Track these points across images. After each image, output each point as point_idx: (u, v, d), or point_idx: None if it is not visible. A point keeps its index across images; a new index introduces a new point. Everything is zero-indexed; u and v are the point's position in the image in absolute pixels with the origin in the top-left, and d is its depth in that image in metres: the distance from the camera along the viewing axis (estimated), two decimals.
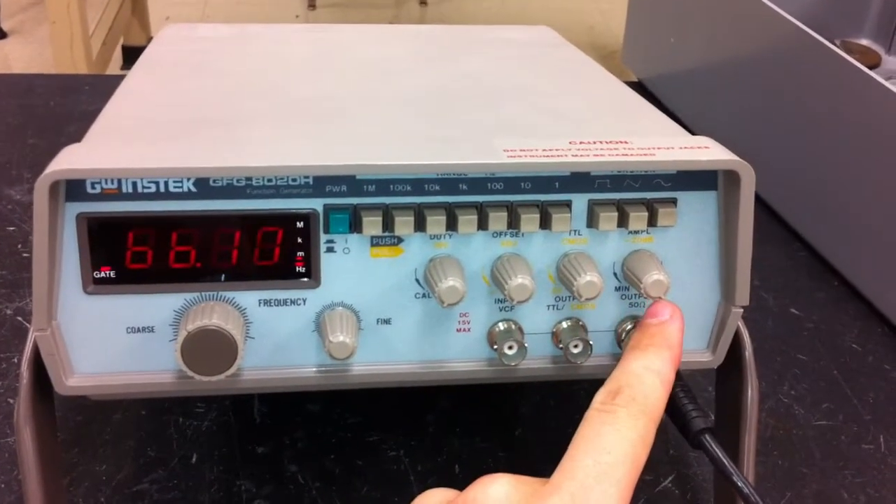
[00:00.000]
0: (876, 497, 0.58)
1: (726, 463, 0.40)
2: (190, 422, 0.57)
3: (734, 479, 0.39)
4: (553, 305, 0.46)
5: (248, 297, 0.43)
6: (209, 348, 0.41)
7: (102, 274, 0.42)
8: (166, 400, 0.58)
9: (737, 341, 0.48)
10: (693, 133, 0.48)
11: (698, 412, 0.41)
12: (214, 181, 0.41)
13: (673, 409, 0.41)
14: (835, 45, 0.77)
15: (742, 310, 0.46)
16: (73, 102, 0.86)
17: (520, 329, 0.46)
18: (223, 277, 0.43)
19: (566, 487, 0.34)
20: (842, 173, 0.77)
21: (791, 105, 0.83)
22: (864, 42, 1.13)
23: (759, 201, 0.87)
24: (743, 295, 0.46)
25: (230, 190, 0.41)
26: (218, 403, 0.59)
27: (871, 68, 0.74)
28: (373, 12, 3.49)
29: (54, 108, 0.86)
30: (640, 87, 1.10)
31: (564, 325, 0.46)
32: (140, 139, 0.45)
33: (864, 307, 0.75)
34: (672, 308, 0.43)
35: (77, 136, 0.45)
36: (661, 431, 0.41)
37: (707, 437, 0.40)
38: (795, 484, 0.59)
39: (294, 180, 0.42)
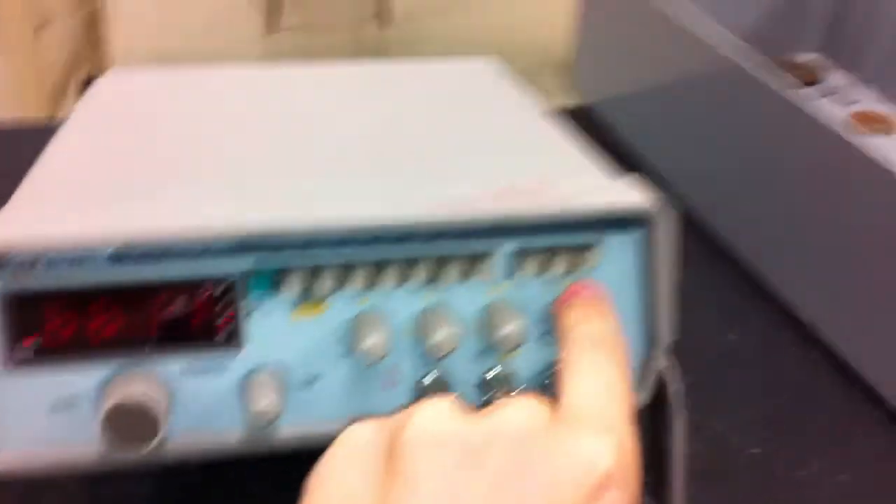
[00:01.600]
0: None
1: None
2: (124, 490, 0.56)
3: None
4: (481, 354, 0.46)
5: (171, 366, 0.43)
6: (131, 422, 0.41)
7: (23, 349, 0.41)
8: (101, 475, 0.58)
9: (661, 378, 0.48)
10: (636, 164, 0.49)
11: None
12: (132, 249, 0.41)
13: None
14: (774, 61, 0.77)
15: (666, 347, 0.47)
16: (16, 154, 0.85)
17: (445, 382, 0.46)
18: (145, 347, 0.42)
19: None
20: (783, 199, 0.78)
21: (724, 129, 0.83)
22: (811, 57, 1.14)
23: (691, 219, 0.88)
24: (664, 336, 0.46)
25: (148, 257, 0.41)
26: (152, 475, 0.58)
27: (809, 84, 0.74)
28: (336, 36, 3.47)
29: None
30: (587, 113, 1.08)
31: (491, 374, 0.46)
32: (61, 206, 0.45)
33: (803, 333, 0.76)
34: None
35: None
36: None
37: None
38: None
39: (211, 244, 0.42)
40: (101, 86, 0.66)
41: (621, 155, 0.98)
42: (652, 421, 0.51)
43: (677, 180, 0.88)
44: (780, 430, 0.66)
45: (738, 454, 0.64)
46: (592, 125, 1.04)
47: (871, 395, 0.69)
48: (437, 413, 0.35)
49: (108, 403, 0.40)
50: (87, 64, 2.64)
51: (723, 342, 0.75)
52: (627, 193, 0.45)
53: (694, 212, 0.89)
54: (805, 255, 0.75)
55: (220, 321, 0.43)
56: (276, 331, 0.43)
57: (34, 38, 2.18)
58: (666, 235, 0.45)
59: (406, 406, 0.36)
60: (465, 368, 0.46)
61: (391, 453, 0.34)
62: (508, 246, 0.45)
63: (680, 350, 0.69)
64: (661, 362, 0.47)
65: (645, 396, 0.48)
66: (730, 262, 0.85)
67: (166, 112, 0.61)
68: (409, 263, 0.44)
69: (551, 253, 0.45)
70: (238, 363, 0.43)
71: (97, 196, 0.46)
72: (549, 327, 0.46)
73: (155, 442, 0.41)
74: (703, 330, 0.76)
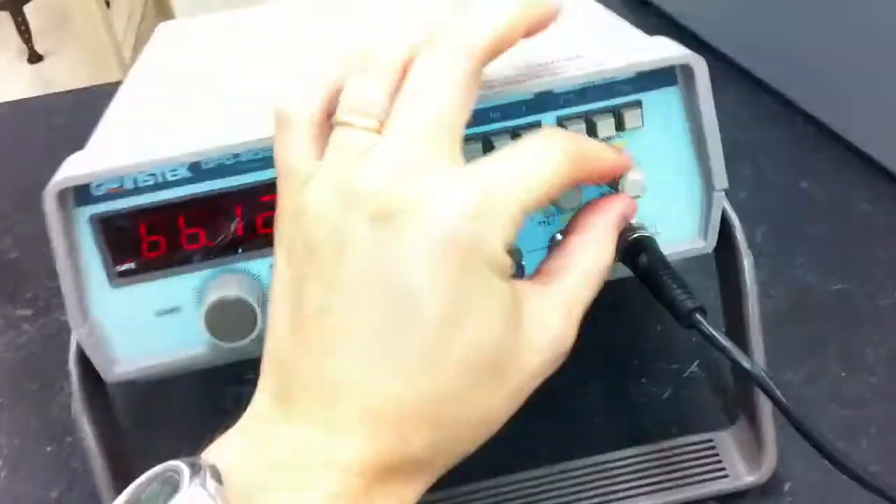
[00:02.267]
0: None
1: (719, 339, 0.42)
2: (242, 389, 0.61)
3: (728, 352, 0.42)
4: (544, 221, 0.49)
5: (260, 265, 0.46)
6: (231, 317, 0.44)
7: (124, 267, 0.46)
8: (218, 374, 0.62)
9: (725, 222, 0.50)
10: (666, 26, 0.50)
11: (686, 294, 0.43)
12: (206, 163, 0.44)
13: (662, 295, 0.44)
14: None
15: (723, 192, 0.48)
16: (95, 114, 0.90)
17: (518, 250, 0.48)
18: (234, 251, 0.46)
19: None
20: (834, 37, 0.77)
21: None
22: None
23: (758, 82, 0.88)
24: (720, 178, 0.48)
25: (222, 169, 0.45)
26: None
27: None
28: None
29: (80, 122, 0.90)
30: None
31: (558, 236, 0.49)
32: (134, 139, 0.48)
33: (872, 169, 0.77)
34: None
35: None
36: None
37: (697, 316, 0.43)
38: (816, 350, 0.61)
39: None
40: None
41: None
42: (722, 266, 0.54)
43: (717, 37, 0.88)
44: (859, 267, 0.67)
45: (819, 293, 0.65)
46: None
47: None
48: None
49: (208, 303, 0.44)
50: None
51: (794, 190, 0.76)
52: (663, 49, 0.47)
53: (748, 66, 0.89)
54: (870, 92, 0.75)
55: None
56: None
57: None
58: (703, 87, 0.46)
59: None
60: (533, 235, 0.48)
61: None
62: (550, 117, 0.47)
63: (751, 202, 0.71)
64: (722, 205, 0.49)
65: (711, 242, 0.50)
66: (788, 111, 0.85)
67: (221, 49, 0.64)
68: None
69: (596, 116, 0.47)
70: None
71: (168, 123, 0.50)
72: (605, 188, 0.48)
73: (254, 335, 0.45)
74: (772, 181, 0.77)
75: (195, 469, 0.34)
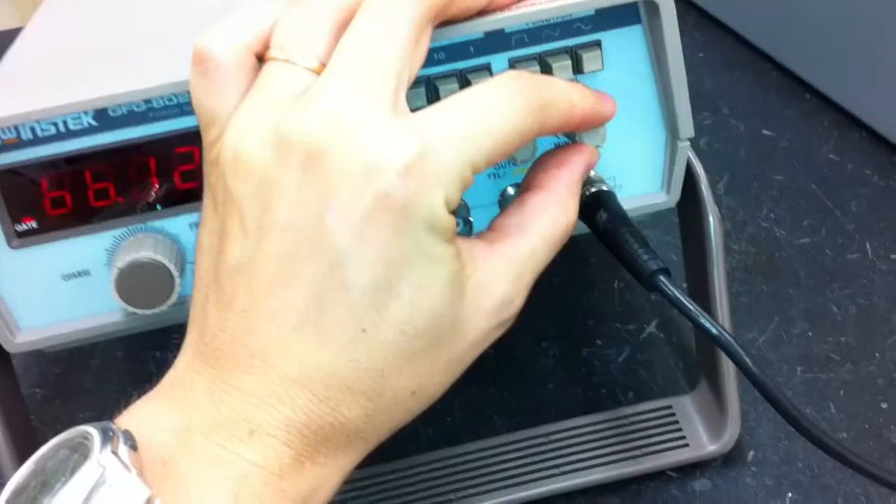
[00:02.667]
0: (866, 305, 0.58)
1: (685, 302, 0.39)
2: (167, 354, 0.57)
3: (693, 315, 0.38)
4: (495, 174, 0.45)
5: (178, 224, 0.42)
6: (145, 281, 0.40)
7: (25, 226, 0.41)
8: (141, 337, 0.58)
9: (690, 175, 0.46)
10: None
11: (649, 254, 0.40)
12: (113, 111, 0.40)
13: (623, 255, 0.40)
14: None
15: (688, 142, 0.45)
16: None
17: (465, 205, 0.44)
18: (148, 208, 0.42)
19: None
20: None
21: None
22: None
23: (723, 27, 0.84)
24: (686, 127, 0.44)
25: (132, 117, 0.40)
26: None
27: None
28: None
29: None
30: None
31: (510, 190, 0.45)
32: (33, 82, 0.43)
33: (839, 116, 0.74)
34: None
35: None
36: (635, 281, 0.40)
37: (661, 277, 0.39)
38: (782, 306, 0.58)
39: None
40: None
41: None
42: (685, 221, 0.50)
43: None
44: (826, 219, 0.64)
45: (784, 247, 0.62)
46: None
47: None
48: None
49: (119, 265, 0.40)
50: None
51: (758, 138, 0.73)
52: None
53: (711, 10, 0.85)
54: (839, 39, 0.71)
55: None
56: None
57: None
58: (669, 22, 0.42)
59: None
60: (482, 189, 0.44)
61: None
62: (501, 59, 0.42)
63: (714, 151, 0.67)
64: (686, 156, 0.45)
65: (674, 196, 0.46)
66: (752, 57, 0.81)
67: None
68: None
69: (552, 58, 0.42)
70: None
71: (68, 68, 0.45)
72: (562, 137, 0.44)
73: (171, 300, 0.41)
74: (734, 128, 0.74)
75: (106, 435, 0.31)
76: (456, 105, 0.34)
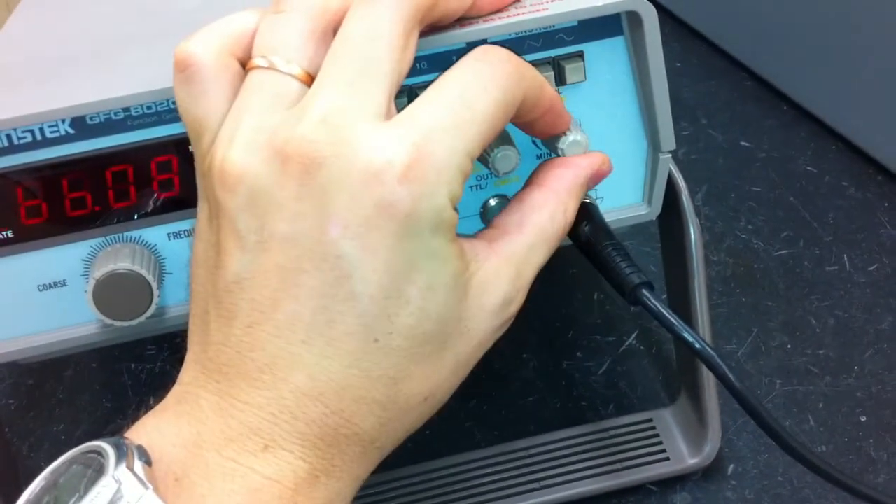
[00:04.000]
0: (844, 317, 0.58)
1: (666, 314, 0.38)
2: (142, 366, 0.56)
3: (676, 329, 0.38)
4: (476, 186, 0.44)
5: (156, 234, 0.41)
6: (123, 292, 0.39)
7: (0, 235, 0.40)
8: (115, 348, 0.57)
9: (671, 187, 0.46)
10: None
11: (632, 268, 0.39)
12: (91, 118, 0.39)
13: (605, 268, 0.40)
14: None
15: (670, 155, 0.45)
16: None
17: None
18: (125, 218, 0.41)
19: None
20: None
21: None
22: None
23: (700, 37, 0.85)
24: (668, 139, 0.44)
25: (110, 125, 0.39)
26: (168, 342, 0.57)
27: None
28: None
29: None
30: None
31: (492, 202, 0.44)
32: (9, 88, 0.43)
33: (816, 127, 0.74)
34: None
35: None
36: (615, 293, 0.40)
37: (644, 291, 0.39)
38: (760, 318, 0.58)
39: (174, 103, 0.39)
40: None
41: None
42: (665, 233, 0.50)
43: None
44: (804, 231, 0.64)
45: (763, 258, 0.62)
46: None
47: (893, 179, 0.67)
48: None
49: (96, 276, 0.39)
50: None
51: (736, 149, 0.73)
52: None
53: (688, 20, 0.85)
54: (816, 51, 0.71)
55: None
56: None
57: None
58: (652, 34, 0.42)
59: None
60: (463, 200, 0.44)
61: None
62: None
63: (692, 161, 0.67)
64: (668, 168, 0.45)
65: (656, 208, 0.46)
66: (731, 68, 0.82)
67: None
68: None
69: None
70: None
71: (46, 72, 0.44)
72: (545, 149, 0.44)
73: (149, 312, 0.40)
74: (713, 139, 0.74)
75: (121, 450, 0.30)
76: (439, 94, 0.34)
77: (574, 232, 0.41)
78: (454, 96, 0.33)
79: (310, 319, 0.31)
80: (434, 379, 0.34)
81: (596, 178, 0.40)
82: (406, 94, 0.41)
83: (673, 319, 0.38)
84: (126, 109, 0.39)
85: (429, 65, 0.41)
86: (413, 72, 0.40)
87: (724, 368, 0.39)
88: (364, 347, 0.32)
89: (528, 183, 0.39)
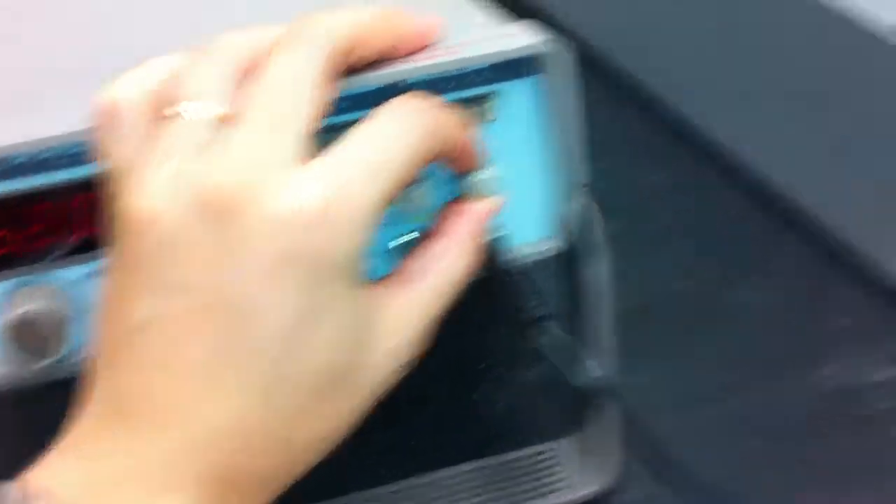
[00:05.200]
0: (747, 347, 0.59)
1: (571, 349, 0.41)
2: (54, 406, 0.55)
3: (580, 364, 0.40)
4: (386, 224, 0.44)
5: (72, 275, 0.41)
6: (34, 334, 0.39)
7: None
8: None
9: (582, 221, 0.48)
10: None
11: (536, 301, 0.41)
12: (12, 160, 0.39)
13: (508, 302, 0.42)
14: None
15: (582, 188, 0.46)
16: None
17: None
18: (41, 258, 0.41)
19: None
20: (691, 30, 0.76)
21: None
22: None
23: (611, 69, 0.86)
24: (579, 174, 0.46)
25: (28, 166, 0.39)
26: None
27: None
28: None
29: None
30: None
31: (403, 238, 0.45)
32: None
33: (728, 162, 0.75)
34: None
35: None
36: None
37: (546, 324, 0.41)
38: (665, 350, 0.59)
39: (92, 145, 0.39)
40: None
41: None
42: (575, 264, 0.51)
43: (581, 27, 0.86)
44: (707, 263, 0.66)
45: (666, 292, 0.64)
46: None
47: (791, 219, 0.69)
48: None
49: (8, 317, 0.39)
50: None
51: (642, 184, 0.74)
52: (517, 37, 0.44)
53: (603, 57, 0.87)
54: (728, 91, 0.74)
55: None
56: None
57: None
58: (564, 77, 0.43)
59: None
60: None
61: None
62: None
63: (599, 196, 0.68)
64: (578, 205, 0.46)
65: (567, 240, 0.48)
66: (642, 104, 0.83)
67: (28, 19, 0.57)
68: None
69: None
70: None
71: None
72: (453, 189, 0.45)
73: (61, 353, 0.40)
74: (621, 174, 0.75)
75: (26, 493, 0.31)
76: (357, 141, 0.35)
77: (480, 268, 0.42)
78: (374, 143, 0.35)
79: (213, 363, 0.32)
80: (334, 418, 0.35)
81: (490, 217, 0.42)
82: (326, 133, 0.41)
83: (577, 352, 0.40)
84: (46, 150, 0.39)
85: (351, 104, 0.42)
86: (335, 111, 0.41)
87: (622, 398, 0.40)
88: (266, 390, 0.33)
89: (432, 230, 0.41)
